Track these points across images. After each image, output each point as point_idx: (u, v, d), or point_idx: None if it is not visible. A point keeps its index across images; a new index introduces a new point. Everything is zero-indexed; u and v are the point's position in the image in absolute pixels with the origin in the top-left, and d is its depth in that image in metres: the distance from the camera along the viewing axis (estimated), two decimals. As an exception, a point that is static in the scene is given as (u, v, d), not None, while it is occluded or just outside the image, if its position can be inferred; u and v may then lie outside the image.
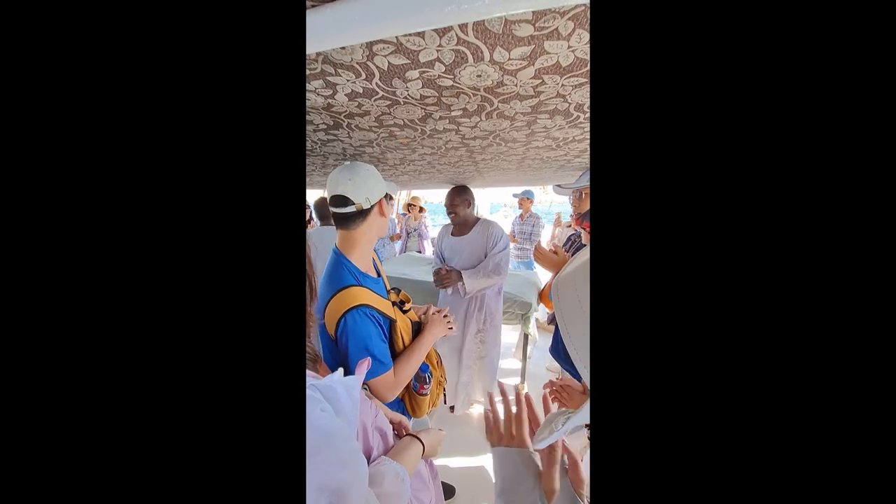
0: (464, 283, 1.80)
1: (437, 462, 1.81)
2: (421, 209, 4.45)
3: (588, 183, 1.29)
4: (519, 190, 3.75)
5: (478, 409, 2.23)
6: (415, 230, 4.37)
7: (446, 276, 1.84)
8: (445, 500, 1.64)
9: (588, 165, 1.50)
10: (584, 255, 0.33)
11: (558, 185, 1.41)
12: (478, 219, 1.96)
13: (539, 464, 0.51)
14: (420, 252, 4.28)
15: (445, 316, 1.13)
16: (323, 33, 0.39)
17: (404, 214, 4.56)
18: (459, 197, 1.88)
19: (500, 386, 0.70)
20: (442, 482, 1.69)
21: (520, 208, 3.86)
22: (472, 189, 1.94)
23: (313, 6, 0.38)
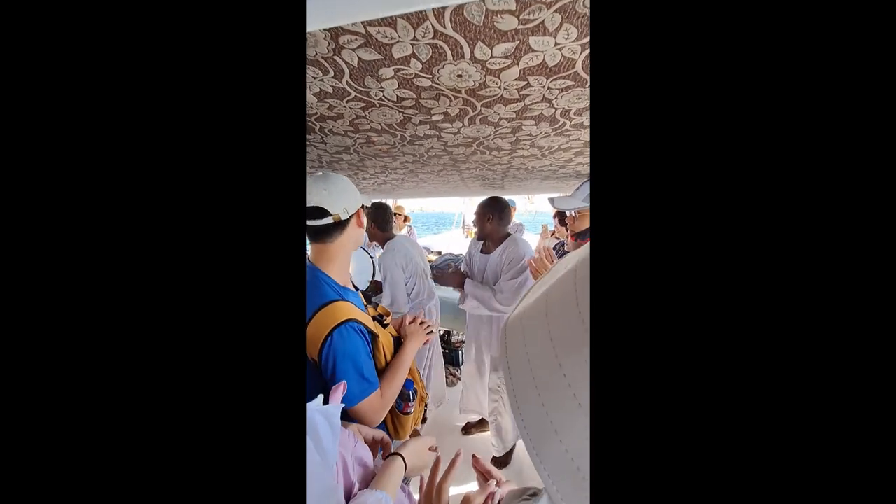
0: (463, 291, 1.59)
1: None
2: (406, 218, 4.39)
3: (586, 204, 1.24)
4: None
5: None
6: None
7: (447, 274, 1.62)
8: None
9: (577, 176, 1.48)
10: (529, 296, 0.28)
11: (557, 198, 1.35)
12: (507, 235, 1.65)
13: None
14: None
15: (422, 322, 1.06)
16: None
17: (388, 224, 4.48)
18: (483, 210, 1.62)
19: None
20: None
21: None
22: (505, 199, 1.68)
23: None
